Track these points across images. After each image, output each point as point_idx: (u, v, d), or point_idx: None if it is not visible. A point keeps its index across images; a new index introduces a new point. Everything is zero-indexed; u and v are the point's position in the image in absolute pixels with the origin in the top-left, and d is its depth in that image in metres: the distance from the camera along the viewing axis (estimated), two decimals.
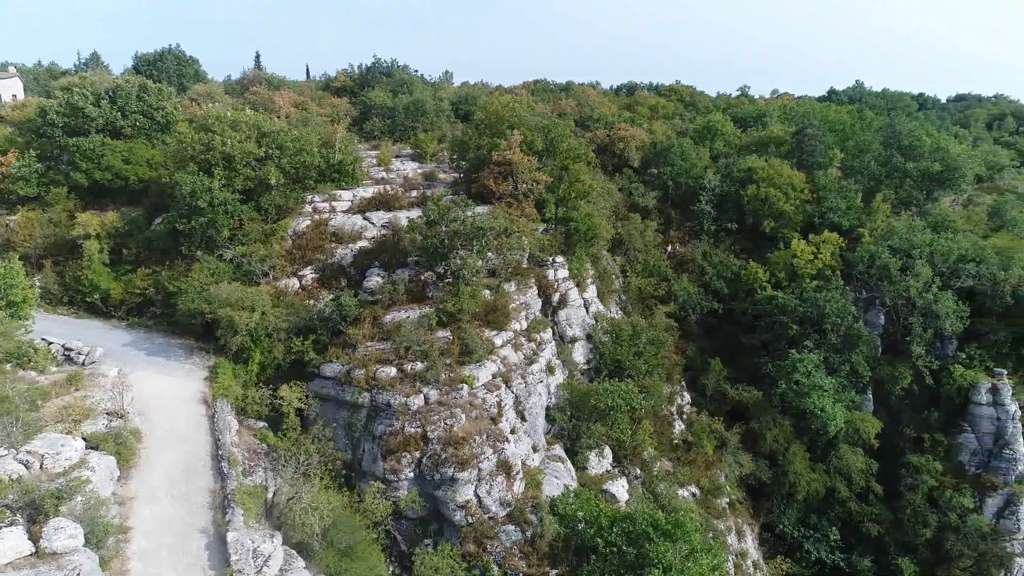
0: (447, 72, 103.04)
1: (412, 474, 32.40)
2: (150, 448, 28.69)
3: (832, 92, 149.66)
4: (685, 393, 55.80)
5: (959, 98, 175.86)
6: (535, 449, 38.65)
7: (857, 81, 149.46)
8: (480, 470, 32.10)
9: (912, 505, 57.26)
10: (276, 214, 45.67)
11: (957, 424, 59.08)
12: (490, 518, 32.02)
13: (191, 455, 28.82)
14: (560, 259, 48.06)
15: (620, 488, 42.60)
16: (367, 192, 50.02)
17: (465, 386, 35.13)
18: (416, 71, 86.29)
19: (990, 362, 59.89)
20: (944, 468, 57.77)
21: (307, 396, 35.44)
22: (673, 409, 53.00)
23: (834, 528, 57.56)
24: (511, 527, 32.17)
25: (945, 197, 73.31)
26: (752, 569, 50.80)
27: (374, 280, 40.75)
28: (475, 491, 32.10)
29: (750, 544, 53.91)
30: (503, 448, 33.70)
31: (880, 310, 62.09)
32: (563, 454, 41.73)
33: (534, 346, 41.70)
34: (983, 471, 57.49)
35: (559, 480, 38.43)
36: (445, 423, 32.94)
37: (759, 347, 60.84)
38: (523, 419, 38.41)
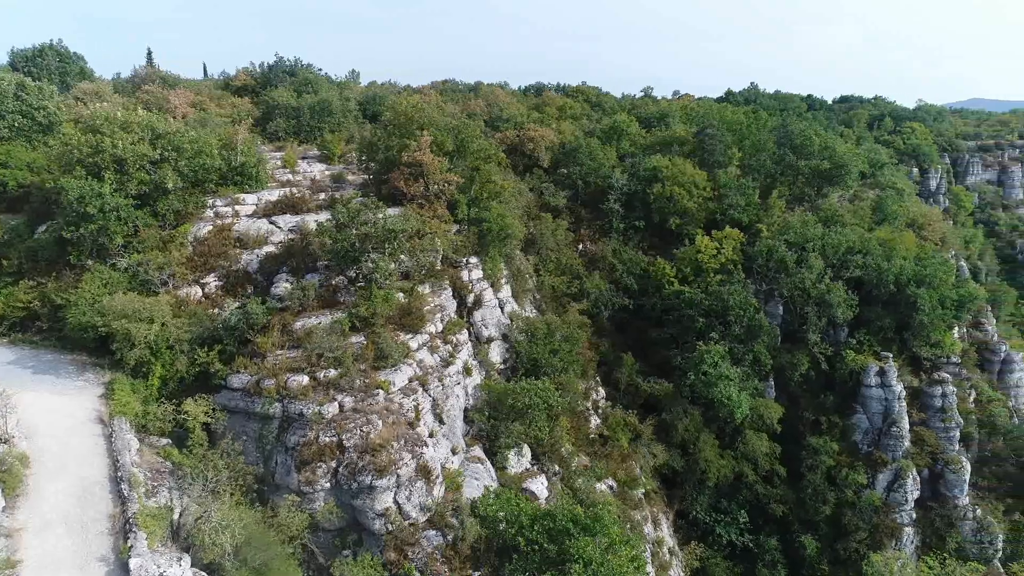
0: (353, 72, 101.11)
1: (328, 484, 31.53)
2: (40, 474, 26.63)
3: (729, 93, 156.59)
4: (600, 388, 56.94)
5: (843, 99, 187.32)
6: (454, 451, 38.42)
7: (752, 83, 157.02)
8: (399, 476, 31.60)
9: (813, 484, 60.67)
10: (175, 220, 43.40)
11: (851, 406, 63.04)
12: (410, 524, 31.59)
13: (87, 479, 26.95)
14: (474, 260, 48.01)
15: (540, 486, 42.93)
16: (272, 195, 48.35)
17: (381, 391, 34.51)
18: (321, 70, 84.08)
19: (877, 346, 64.21)
20: (840, 448, 61.53)
21: (214, 409, 33.83)
22: (589, 404, 53.95)
23: (743, 511, 60.11)
24: (432, 532, 31.85)
25: (834, 193, 77.98)
26: (668, 556, 52.38)
27: (282, 286, 39.43)
28: (394, 498, 31.59)
29: (666, 532, 55.56)
30: (422, 453, 33.31)
31: (779, 301, 65.40)
32: (483, 455, 41.69)
33: (450, 348, 41.45)
34: (874, 449, 61.56)
35: (479, 481, 38.38)
36: (361, 430, 32.24)
37: (669, 340, 62.86)
38: (441, 422, 38.12)
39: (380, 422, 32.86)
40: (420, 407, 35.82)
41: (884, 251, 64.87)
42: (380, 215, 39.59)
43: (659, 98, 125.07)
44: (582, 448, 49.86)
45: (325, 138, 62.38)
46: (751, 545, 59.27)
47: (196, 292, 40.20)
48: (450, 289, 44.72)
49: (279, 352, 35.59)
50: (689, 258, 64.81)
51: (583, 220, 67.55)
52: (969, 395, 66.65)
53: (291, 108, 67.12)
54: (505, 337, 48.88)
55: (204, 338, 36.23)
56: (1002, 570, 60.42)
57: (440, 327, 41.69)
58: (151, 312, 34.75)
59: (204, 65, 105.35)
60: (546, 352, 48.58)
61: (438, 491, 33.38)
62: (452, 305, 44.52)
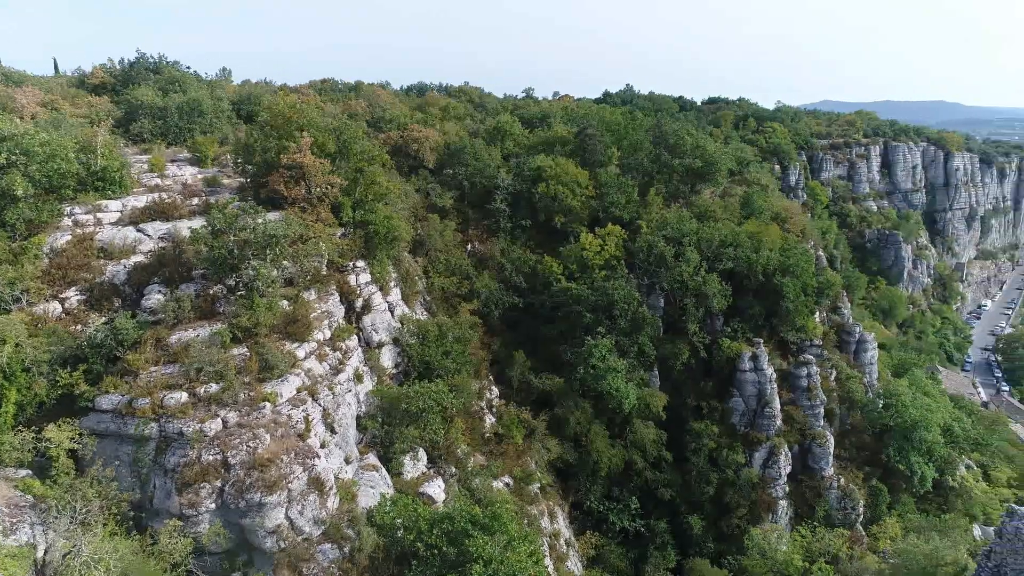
0: (225, 69, 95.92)
1: (214, 505, 29.87)
2: None
3: (607, 94, 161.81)
4: (493, 387, 57.34)
5: (711, 101, 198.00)
6: (348, 461, 37.52)
7: (627, 85, 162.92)
8: (290, 491, 30.43)
9: (697, 467, 63.87)
10: (26, 230, 39.67)
11: (728, 390, 66.83)
12: (304, 540, 30.52)
13: None
14: (361, 263, 47.00)
15: (437, 489, 42.70)
16: (139, 201, 45.17)
17: (268, 404, 33.09)
18: (189, 68, 79.37)
19: (750, 333, 68.43)
20: (720, 430, 65.12)
21: (81, 435, 31.21)
22: (483, 404, 54.20)
23: (634, 497, 62.42)
24: (328, 545, 30.92)
25: (706, 190, 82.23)
26: (565, 547, 53.52)
27: (155, 298, 36.95)
28: (286, 513, 30.39)
29: (562, 524, 56.75)
30: (314, 465, 32.24)
31: (660, 294, 68.32)
32: (377, 462, 40.95)
33: (340, 355, 40.38)
34: (750, 429, 65.55)
35: (375, 489, 37.69)
36: (248, 446, 30.78)
37: (559, 336, 64.20)
38: (333, 432, 37.06)
39: (268, 436, 31.52)
40: (310, 418, 34.68)
41: (753, 243, 69.18)
42: (259, 220, 37.92)
43: (540, 99, 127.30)
44: (478, 448, 50.07)
45: (196, 140, 58.94)
46: (643, 530, 61.68)
47: (55, 308, 36.96)
48: (337, 294, 43.56)
49: (153, 369, 33.35)
50: (575, 255, 66.44)
51: (471, 220, 67.76)
52: (830, 374, 72.31)
53: (157, 108, 62.89)
54: (396, 341, 48.21)
55: (66, 358, 33.39)
56: (863, 532, 65.92)
57: (328, 334, 40.52)
58: (2, 332, 31.63)
59: (55, 61, 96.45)
60: (438, 354, 48.36)
61: (332, 503, 32.45)
62: (340, 311, 43.39)
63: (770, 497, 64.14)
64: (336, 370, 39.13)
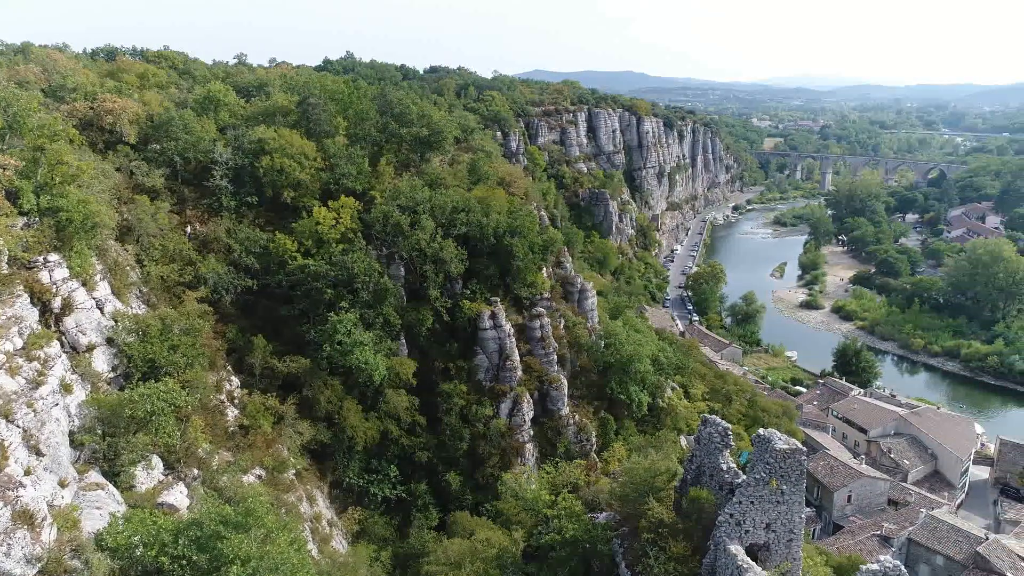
0: None
1: None
2: None
3: (327, 62, 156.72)
4: (233, 377, 53.61)
5: (432, 70, 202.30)
6: (63, 484, 32.68)
7: (348, 52, 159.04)
8: None
9: (450, 426, 66.52)
10: None
11: (472, 349, 70.16)
12: None
13: None
14: (55, 257, 40.46)
15: (179, 495, 39.23)
16: None
17: None
18: None
19: (487, 293, 72.30)
20: (468, 388, 68.40)
21: None
22: (223, 397, 50.52)
23: (392, 466, 63.28)
24: None
25: (435, 158, 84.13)
26: (328, 528, 52.70)
27: None
28: None
29: (322, 505, 55.70)
30: (18, 496, 27.56)
31: (399, 263, 68.98)
32: (102, 479, 36.30)
33: (38, 366, 34.70)
34: (495, 383, 69.78)
35: (102, 510, 33.45)
36: None
37: (300, 316, 61.95)
38: (40, 455, 31.93)
39: None
40: (7, 443, 29.52)
41: (483, 208, 72.73)
42: None
43: (255, 66, 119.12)
44: (222, 443, 46.76)
45: None
46: (404, 495, 62.93)
47: None
48: (26, 296, 37.16)
49: None
50: (309, 230, 64.09)
51: (188, 200, 61.62)
52: (560, 323, 79.40)
53: None
54: (111, 341, 42.69)
55: None
56: (597, 459, 74.19)
57: (19, 343, 34.59)
58: None
59: None
60: (164, 350, 43.93)
61: (49, 535, 28.15)
62: (32, 314, 37.17)
63: (518, 443, 69.19)
64: (35, 384, 33.64)
